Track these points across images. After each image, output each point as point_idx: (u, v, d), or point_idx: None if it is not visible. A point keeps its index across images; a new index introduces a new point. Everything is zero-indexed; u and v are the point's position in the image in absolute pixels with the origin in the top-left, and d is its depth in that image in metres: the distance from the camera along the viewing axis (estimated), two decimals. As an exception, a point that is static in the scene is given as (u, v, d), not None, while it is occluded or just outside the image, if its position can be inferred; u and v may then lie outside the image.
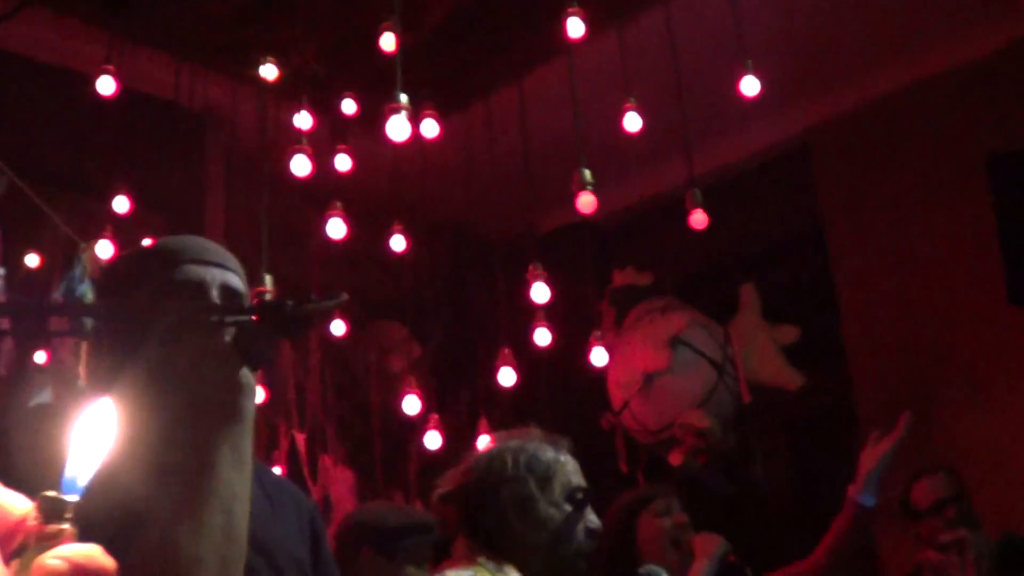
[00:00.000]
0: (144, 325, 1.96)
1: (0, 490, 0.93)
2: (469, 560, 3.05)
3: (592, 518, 3.17)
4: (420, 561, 4.30)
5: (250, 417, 1.85)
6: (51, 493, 0.93)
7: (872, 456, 4.62)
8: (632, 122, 5.22)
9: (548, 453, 3.17)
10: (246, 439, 1.83)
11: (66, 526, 0.93)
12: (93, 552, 0.90)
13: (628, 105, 5.22)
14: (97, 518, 1.03)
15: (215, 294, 2.18)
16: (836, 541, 4.60)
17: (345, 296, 1.88)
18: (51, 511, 0.93)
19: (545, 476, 3.12)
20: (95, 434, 0.96)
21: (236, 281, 2.23)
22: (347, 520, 4.57)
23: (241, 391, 1.84)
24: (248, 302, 2.25)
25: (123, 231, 5.62)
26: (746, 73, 5.03)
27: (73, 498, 0.93)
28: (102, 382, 2.12)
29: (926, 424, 6.29)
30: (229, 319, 1.88)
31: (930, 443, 6.21)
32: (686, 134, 5.22)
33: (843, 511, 4.60)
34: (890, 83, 6.75)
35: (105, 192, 5.72)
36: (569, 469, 3.20)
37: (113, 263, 2.41)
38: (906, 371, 6.47)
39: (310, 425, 6.85)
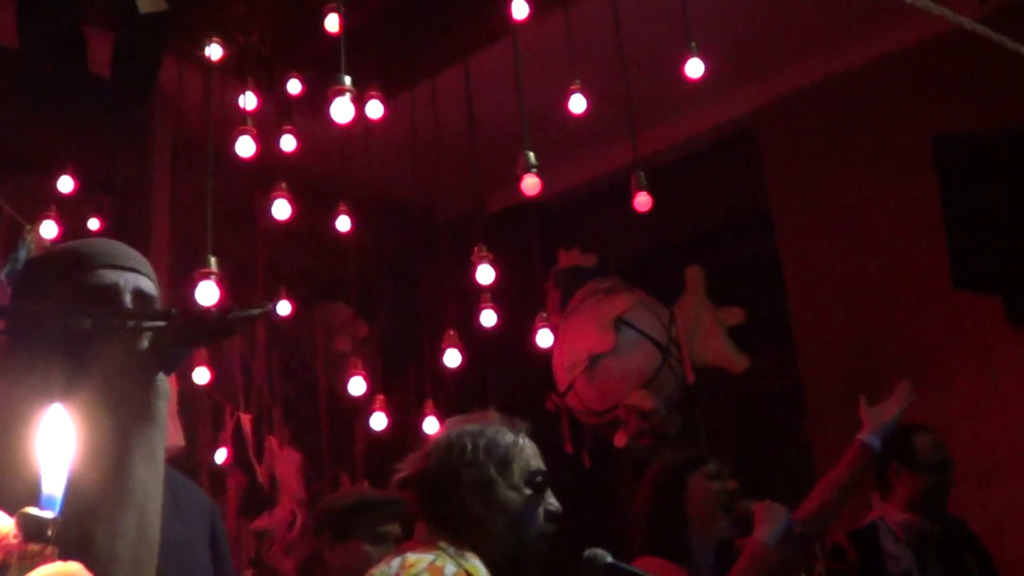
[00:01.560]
0: (62, 328, 1.97)
1: None
2: (429, 544, 3.04)
3: (552, 501, 3.17)
4: (377, 538, 4.35)
5: (164, 419, 1.90)
6: (32, 510, 0.92)
7: (889, 411, 4.73)
8: (577, 103, 5.23)
9: (507, 437, 3.16)
10: (159, 440, 1.88)
11: (47, 544, 0.92)
12: (75, 571, 0.89)
13: (573, 87, 5.22)
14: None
15: (128, 298, 2.17)
16: (839, 480, 4.62)
17: (269, 307, 1.92)
18: (32, 529, 0.92)
19: (504, 460, 3.11)
20: (59, 446, 0.95)
21: (149, 285, 2.22)
22: (314, 512, 4.73)
23: (156, 394, 1.89)
24: (159, 305, 2.24)
25: (68, 211, 5.59)
26: (691, 55, 5.05)
27: (53, 515, 0.92)
28: (16, 382, 2.08)
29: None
30: (147, 326, 1.90)
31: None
32: (631, 116, 5.23)
33: (852, 453, 4.69)
34: (836, 64, 6.78)
35: (50, 171, 5.69)
36: (528, 452, 3.19)
37: (25, 265, 2.38)
38: (852, 353, 6.51)
39: (256, 406, 6.83)
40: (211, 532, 2.49)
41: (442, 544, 3.01)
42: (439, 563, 2.91)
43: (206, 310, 1.88)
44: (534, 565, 3.14)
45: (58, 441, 0.95)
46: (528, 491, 3.11)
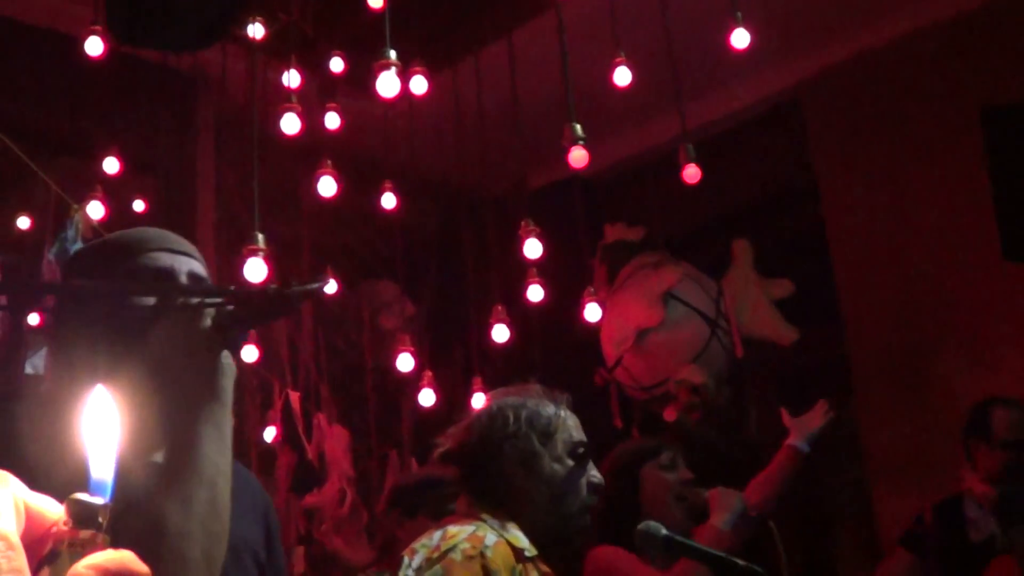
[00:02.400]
0: (121, 308, 2.00)
1: (31, 494, 0.91)
2: (471, 516, 3.05)
3: (594, 473, 3.18)
4: (442, 515, 4.40)
5: (230, 397, 1.91)
6: (82, 496, 0.90)
7: (813, 423, 4.74)
8: (622, 76, 5.19)
9: (549, 409, 3.17)
10: (227, 418, 1.89)
11: (98, 532, 0.90)
12: (127, 559, 0.88)
13: (618, 59, 5.19)
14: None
15: (184, 280, 2.17)
16: (777, 485, 4.64)
17: (328, 281, 1.92)
18: (82, 516, 0.90)
19: (547, 432, 3.12)
20: (106, 428, 0.94)
21: (201, 269, 2.22)
22: (386, 492, 4.92)
23: (222, 373, 1.91)
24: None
25: (114, 192, 5.61)
26: (736, 26, 5.00)
27: (103, 501, 0.91)
28: (62, 368, 2.10)
29: (920, 377, 6.31)
30: (208, 302, 1.91)
31: (924, 396, 6.23)
32: (677, 88, 5.20)
33: (781, 458, 4.71)
34: (883, 35, 6.72)
35: (95, 153, 5.71)
36: (570, 424, 3.20)
37: (78, 254, 2.39)
38: (900, 325, 6.47)
39: (304, 384, 6.85)
40: (265, 527, 2.48)
41: (484, 516, 3.01)
42: (480, 533, 2.92)
43: (266, 286, 1.87)
44: (577, 536, 3.14)
45: (105, 425, 0.93)
46: (570, 463, 3.11)
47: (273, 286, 1.88)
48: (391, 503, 4.66)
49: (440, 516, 4.39)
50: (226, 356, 1.92)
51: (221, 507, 1.82)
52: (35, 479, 1.68)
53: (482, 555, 2.84)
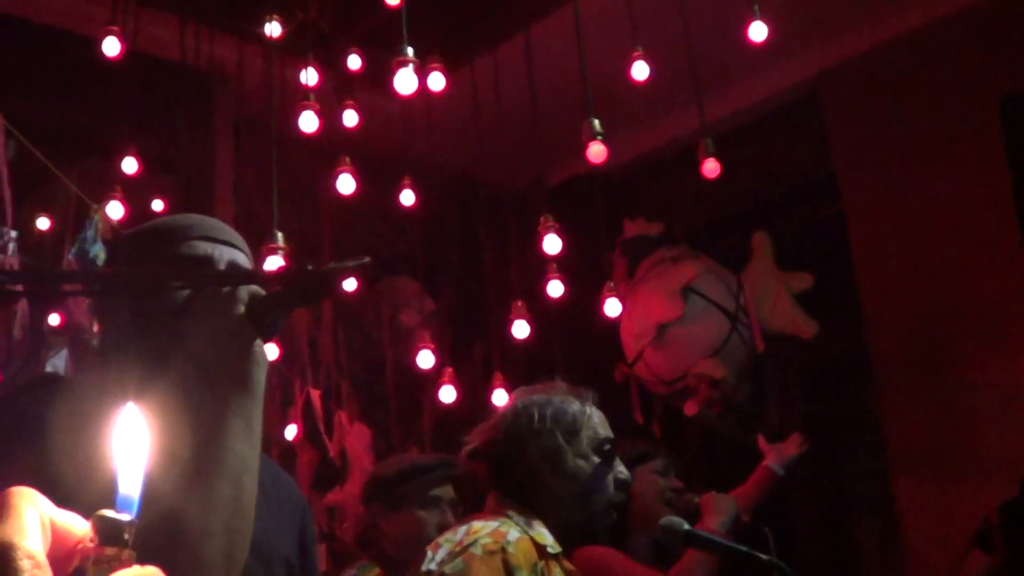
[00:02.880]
0: (156, 294, 1.96)
1: (57, 511, 0.91)
2: (497, 513, 3.06)
3: (621, 469, 3.19)
4: (429, 502, 4.39)
5: (262, 389, 1.84)
6: (108, 512, 0.90)
7: (789, 450, 4.99)
8: (640, 71, 5.19)
9: (574, 406, 3.18)
10: (257, 410, 1.82)
11: (123, 548, 0.90)
12: (153, 575, 0.88)
13: (636, 53, 5.18)
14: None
15: (221, 267, 2.10)
16: (751, 501, 4.78)
17: (366, 259, 1.86)
18: (108, 532, 0.90)
19: (572, 429, 3.13)
20: (134, 446, 0.93)
21: (244, 260, 2.17)
22: (364, 483, 4.77)
23: (254, 363, 1.84)
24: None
25: (133, 192, 5.62)
26: (754, 19, 5.00)
27: (129, 517, 0.91)
28: (112, 349, 2.07)
29: (940, 368, 6.29)
30: (241, 288, 1.85)
31: (945, 388, 6.21)
32: (696, 82, 5.19)
33: (758, 477, 4.91)
34: (901, 25, 6.70)
35: (114, 153, 5.72)
36: (596, 421, 3.21)
37: (121, 239, 2.32)
38: (920, 317, 6.45)
39: (325, 381, 6.85)
40: (300, 533, 2.40)
41: (510, 513, 3.02)
42: (503, 528, 2.94)
43: (300, 268, 1.81)
44: (603, 532, 3.15)
45: (133, 441, 0.93)
46: (596, 459, 3.12)
47: (309, 267, 1.80)
48: (372, 495, 4.53)
49: (425, 505, 4.41)
50: (258, 345, 1.85)
51: (246, 505, 1.76)
52: (60, 464, 1.67)
53: (503, 550, 2.85)
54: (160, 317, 1.94)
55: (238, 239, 2.21)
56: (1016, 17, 6.21)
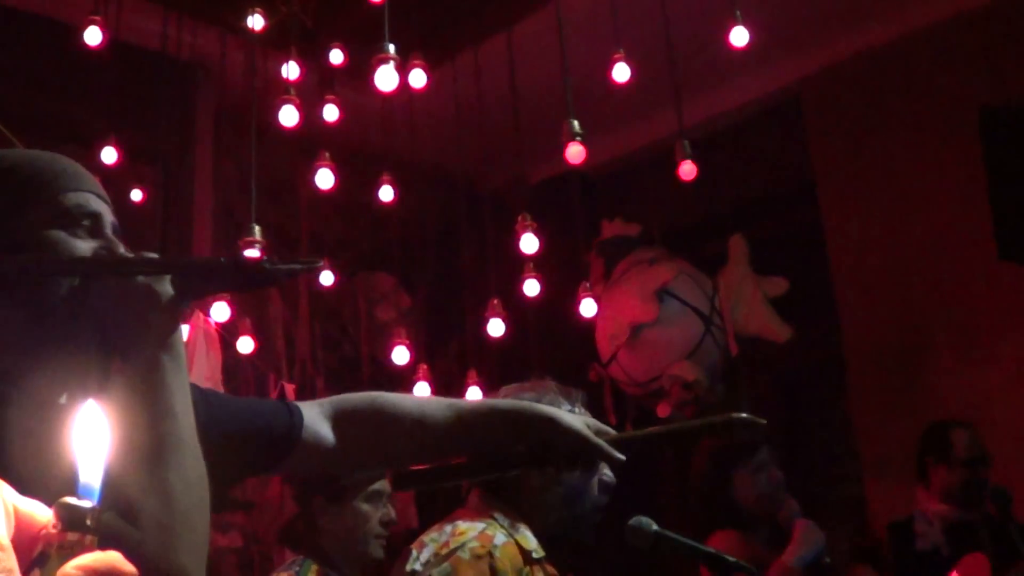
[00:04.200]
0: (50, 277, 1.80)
1: (20, 498, 0.92)
2: (482, 513, 3.05)
3: (607, 472, 3.17)
4: (372, 496, 4.33)
5: (185, 358, 1.80)
6: (70, 500, 0.92)
7: (807, 544, 4.59)
8: (621, 72, 5.20)
9: (563, 407, 3.16)
10: (188, 382, 1.79)
11: (86, 534, 0.92)
12: (114, 559, 0.89)
13: (617, 55, 5.20)
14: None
15: (109, 232, 1.89)
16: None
17: (319, 262, 1.82)
18: (71, 518, 0.92)
19: None
20: (95, 436, 0.95)
21: (110, 214, 1.92)
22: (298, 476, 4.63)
23: (178, 337, 1.79)
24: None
25: (112, 182, 5.61)
26: (735, 23, 5.01)
27: (91, 504, 0.92)
28: (50, 373, 1.83)
29: (914, 375, 6.32)
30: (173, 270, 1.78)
31: (918, 396, 6.24)
32: (675, 84, 5.20)
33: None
34: (882, 34, 6.73)
35: (94, 143, 5.71)
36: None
37: None
38: (895, 324, 6.48)
39: (299, 375, 6.85)
40: None
41: (496, 515, 3.01)
42: (489, 532, 2.93)
43: (253, 259, 1.78)
44: (587, 535, 3.14)
45: (94, 431, 0.95)
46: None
47: (263, 260, 1.75)
48: (311, 489, 4.33)
49: (369, 498, 4.34)
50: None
51: (206, 479, 1.73)
52: (20, 456, 1.65)
53: (490, 555, 2.84)
54: (104, 329, 1.81)
55: (97, 184, 1.96)
56: (996, 29, 6.24)
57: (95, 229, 1.86)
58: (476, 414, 2.36)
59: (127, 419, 1.70)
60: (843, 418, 6.81)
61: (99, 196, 1.91)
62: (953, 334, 6.23)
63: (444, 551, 2.88)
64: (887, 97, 6.72)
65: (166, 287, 1.75)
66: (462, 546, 2.87)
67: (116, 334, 1.76)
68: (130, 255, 1.84)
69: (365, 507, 4.28)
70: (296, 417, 2.13)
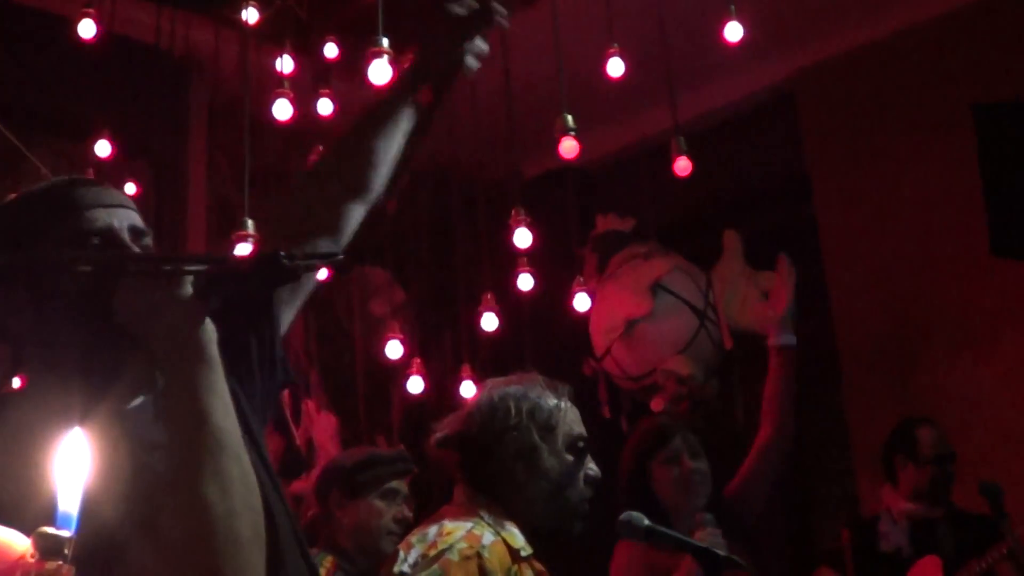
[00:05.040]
0: (95, 279, 1.81)
1: None
2: (469, 511, 3.04)
3: (592, 466, 3.17)
4: (387, 494, 4.38)
5: (219, 362, 1.78)
6: (48, 529, 0.92)
7: (780, 301, 5.15)
8: (615, 67, 5.20)
9: (551, 401, 3.15)
10: (224, 384, 1.77)
11: (64, 563, 0.92)
12: None
13: (611, 50, 5.19)
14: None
15: (126, 238, 1.96)
16: (777, 394, 4.81)
17: (339, 255, 1.79)
18: (48, 547, 0.92)
19: (548, 425, 3.10)
20: (76, 467, 0.95)
21: (140, 221, 2.02)
22: (320, 472, 4.71)
23: (208, 338, 1.77)
24: (151, 240, 2.04)
25: (105, 175, 5.60)
26: (730, 18, 5.01)
27: (68, 534, 0.92)
28: (34, 403, 1.86)
29: (907, 370, 6.33)
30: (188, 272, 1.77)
31: (912, 391, 6.25)
32: (670, 79, 5.20)
33: (771, 364, 5.02)
34: (876, 30, 6.73)
35: (87, 136, 5.70)
36: (571, 417, 3.18)
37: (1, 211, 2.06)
38: (889, 319, 6.49)
39: (293, 369, 6.84)
40: None
41: (482, 512, 3.01)
42: (477, 531, 2.92)
43: (272, 255, 1.73)
44: (575, 528, 3.14)
45: (75, 463, 0.94)
46: (570, 457, 3.10)
47: (283, 253, 1.72)
48: (330, 483, 4.50)
49: (384, 495, 4.39)
50: (208, 322, 1.78)
51: (251, 479, 1.71)
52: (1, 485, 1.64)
53: (479, 555, 2.84)
54: (72, 302, 1.83)
55: (125, 198, 2.06)
56: (988, 25, 6.25)
57: (105, 242, 1.93)
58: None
59: (167, 430, 1.71)
60: (836, 413, 6.81)
61: (110, 206, 1.97)
62: (947, 330, 6.23)
63: (432, 552, 2.87)
64: (881, 92, 6.72)
65: (186, 290, 1.75)
66: (450, 547, 2.86)
67: (145, 342, 1.76)
68: (140, 255, 1.89)
69: (379, 503, 4.37)
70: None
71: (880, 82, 6.73)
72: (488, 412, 3.11)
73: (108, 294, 1.76)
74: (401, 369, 6.32)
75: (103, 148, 5.65)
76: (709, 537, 4.13)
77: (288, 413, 6.55)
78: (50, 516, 0.92)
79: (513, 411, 3.08)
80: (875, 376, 6.46)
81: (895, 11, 6.60)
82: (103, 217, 1.95)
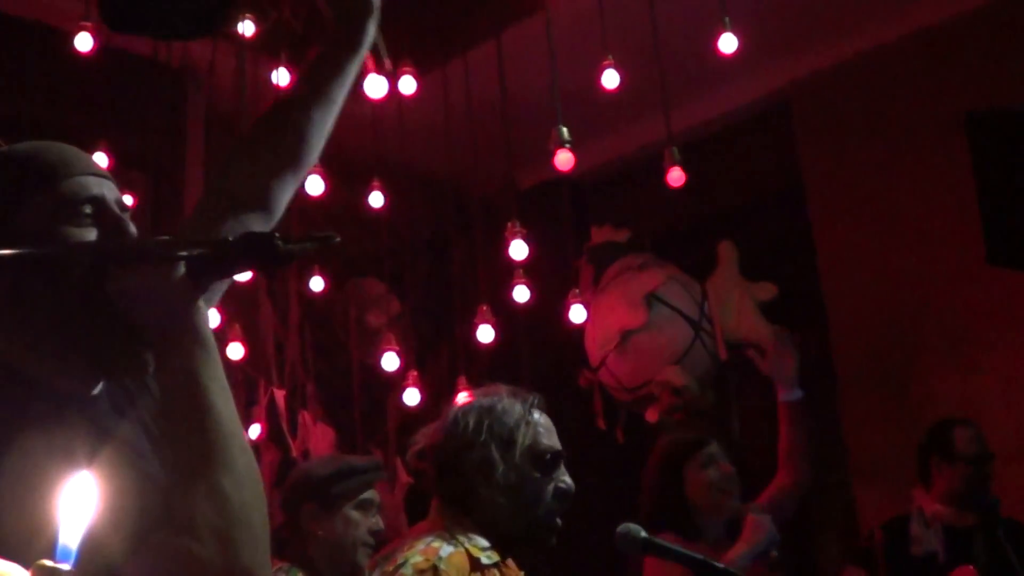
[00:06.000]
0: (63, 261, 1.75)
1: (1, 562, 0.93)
2: (435, 524, 3.07)
3: (564, 479, 3.16)
4: (362, 505, 4.31)
5: (215, 346, 1.74)
6: (47, 562, 0.92)
7: (787, 363, 5.27)
8: (610, 79, 5.22)
9: (515, 415, 3.14)
10: (221, 370, 1.73)
11: None
12: None
13: (606, 62, 5.21)
14: None
15: (116, 211, 1.87)
16: (793, 444, 4.89)
17: (335, 236, 1.75)
18: None
19: (508, 440, 3.09)
20: (81, 505, 0.95)
21: (119, 194, 1.92)
22: (286, 482, 4.58)
23: (204, 321, 1.74)
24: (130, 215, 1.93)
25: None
26: (724, 30, 5.03)
27: (67, 567, 0.93)
28: (38, 439, 1.73)
29: (904, 380, 6.33)
30: (190, 251, 1.72)
31: (907, 399, 6.25)
32: (664, 91, 5.22)
33: (781, 417, 5.18)
34: (870, 40, 6.74)
35: (84, 148, 5.69)
36: (539, 430, 3.16)
37: None
38: (885, 329, 6.49)
39: (290, 381, 6.85)
40: None
41: (448, 524, 3.03)
42: (435, 544, 2.94)
43: (265, 236, 1.70)
44: (546, 540, 3.14)
45: (80, 501, 0.95)
46: (533, 471, 3.10)
47: (259, 234, 1.71)
48: (304, 496, 4.30)
49: (360, 506, 4.33)
50: (202, 304, 1.74)
51: (257, 470, 1.69)
52: (6, 522, 1.62)
53: (435, 568, 2.84)
54: (61, 283, 1.74)
55: (105, 171, 1.95)
56: (981, 34, 6.26)
57: (99, 212, 1.84)
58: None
59: (170, 426, 1.69)
60: (832, 423, 6.81)
61: (98, 175, 1.89)
62: (943, 339, 6.24)
63: (390, 568, 2.89)
64: (876, 103, 6.74)
65: (180, 273, 1.70)
66: (405, 563, 2.87)
67: (140, 327, 1.72)
68: (137, 240, 1.83)
69: (355, 515, 4.27)
70: None
71: (875, 92, 6.74)
72: (451, 426, 3.13)
73: (100, 280, 1.71)
74: (397, 381, 6.32)
75: (100, 159, 5.64)
76: (763, 523, 4.26)
77: (285, 425, 6.55)
78: (51, 551, 0.93)
79: (472, 425, 3.09)
80: (870, 386, 6.47)
81: (889, 21, 6.62)
82: (93, 184, 1.86)
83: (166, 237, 1.76)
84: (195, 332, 1.72)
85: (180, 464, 1.64)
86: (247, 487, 1.64)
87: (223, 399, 1.69)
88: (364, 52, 2.48)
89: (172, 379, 1.70)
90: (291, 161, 2.29)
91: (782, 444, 5.14)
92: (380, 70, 4.89)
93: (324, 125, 2.37)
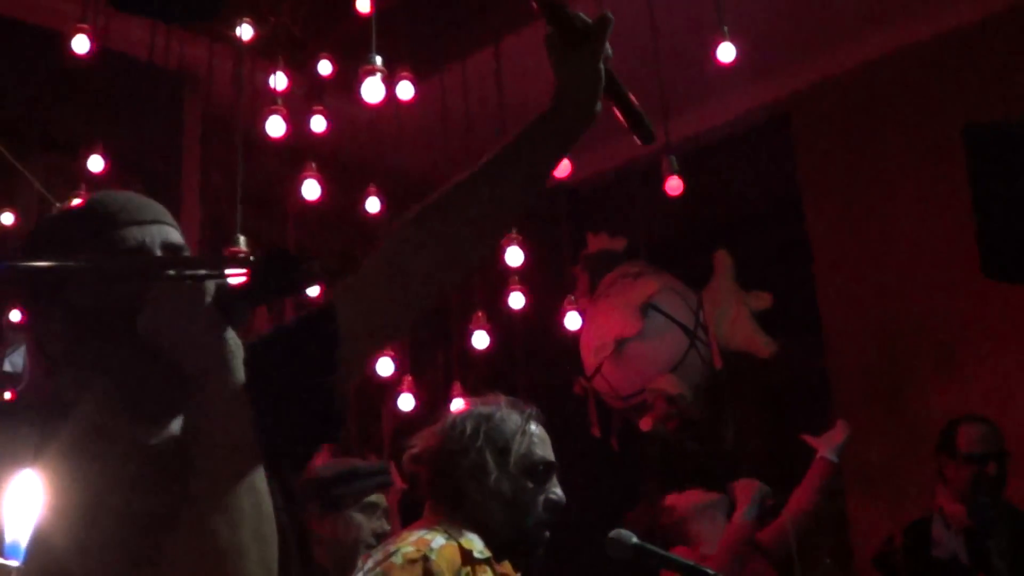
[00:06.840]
0: (122, 288, 1.78)
1: None
2: (430, 523, 3.07)
3: (555, 491, 3.16)
4: (367, 508, 4.33)
5: (242, 377, 1.71)
6: None
7: (839, 434, 5.28)
8: (608, 87, 5.21)
9: (511, 424, 3.15)
10: (247, 406, 1.70)
11: None
12: None
13: (604, 70, 5.21)
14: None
15: (159, 254, 1.89)
16: (811, 493, 4.94)
17: (357, 258, 1.73)
18: None
19: (504, 448, 3.11)
20: (29, 502, 0.95)
21: (176, 236, 1.94)
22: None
23: (230, 352, 1.72)
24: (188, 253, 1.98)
25: (98, 190, 5.60)
26: (723, 39, 5.03)
27: (16, 563, 0.93)
28: (61, 346, 1.84)
29: (898, 391, 6.34)
30: (210, 277, 1.72)
31: (901, 410, 6.26)
32: (663, 99, 5.21)
33: (816, 469, 5.18)
34: (869, 52, 6.75)
35: (80, 151, 5.70)
36: (534, 441, 3.17)
37: (39, 226, 2.04)
38: (879, 339, 6.50)
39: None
40: None
41: (442, 522, 3.04)
42: (428, 537, 2.97)
43: (292, 255, 1.67)
44: (534, 549, 3.15)
45: (28, 498, 0.95)
46: (526, 480, 3.11)
47: (301, 256, 1.68)
48: (308, 496, 4.28)
49: (363, 509, 4.35)
50: (231, 333, 1.72)
51: (267, 508, 1.67)
52: None
53: (425, 558, 2.86)
54: (102, 320, 1.78)
55: (165, 214, 1.98)
56: (979, 48, 6.27)
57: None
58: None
59: (195, 449, 1.66)
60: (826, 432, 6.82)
61: (143, 223, 1.91)
62: (936, 350, 6.25)
63: (382, 557, 2.91)
64: (873, 114, 6.75)
65: (207, 304, 1.70)
66: (396, 552, 2.89)
67: (170, 357, 1.71)
68: (158, 259, 1.85)
69: (359, 517, 4.29)
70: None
71: (873, 104, 6.75)
72: (448, 432, 3.14)
73: (133, 311, 1.71)
74: (392, 386, 6.31)
75: (96, 163, 5.65)
76: (748, 483, 4.42)
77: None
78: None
79: (469, 430, 3.11)
80: (865, 395, 6.48)
81: (888, 33, 6.63)
82: (135, 235, 1.88)
83: (190, 261, 1.78)
84: (222, 359, 1.70)
85: (192, 495, 1.62)
86: (242, 529, 1.62)
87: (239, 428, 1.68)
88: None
89: (198, 404, 1.69)
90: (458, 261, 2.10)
91: (802, 493, 5.16)
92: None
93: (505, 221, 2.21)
